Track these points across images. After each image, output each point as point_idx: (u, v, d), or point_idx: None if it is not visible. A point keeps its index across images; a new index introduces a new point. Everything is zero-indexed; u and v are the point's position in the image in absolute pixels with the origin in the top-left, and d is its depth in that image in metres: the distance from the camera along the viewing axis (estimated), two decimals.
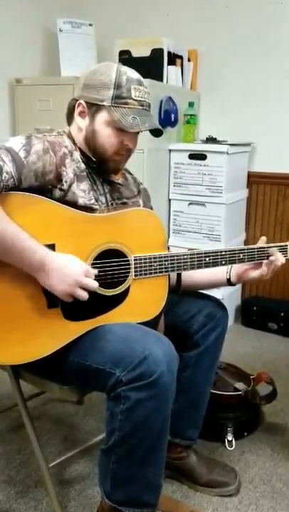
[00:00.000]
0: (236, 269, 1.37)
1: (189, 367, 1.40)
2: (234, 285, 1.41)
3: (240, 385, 1.72)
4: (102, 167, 1.26)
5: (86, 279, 1.11)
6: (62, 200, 1.17)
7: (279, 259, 1.30)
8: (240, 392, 1.69)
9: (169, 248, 1.30)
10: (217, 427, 1.68)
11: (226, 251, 1.29)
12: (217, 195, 2.41)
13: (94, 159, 1.24)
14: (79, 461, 1.59)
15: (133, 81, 1.19)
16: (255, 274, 1.33)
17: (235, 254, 1.30)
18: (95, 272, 1.14)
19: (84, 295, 1.11)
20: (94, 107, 1.20)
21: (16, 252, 1.06)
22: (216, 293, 2.39)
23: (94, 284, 1.12)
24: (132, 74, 1.20)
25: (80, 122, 1.23)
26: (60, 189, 1.18)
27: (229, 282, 1.39)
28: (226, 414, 1.69)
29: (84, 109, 1.22)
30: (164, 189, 2.51)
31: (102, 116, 1.19)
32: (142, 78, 1.22)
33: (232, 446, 1.66)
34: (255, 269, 1.34)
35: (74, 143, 1.24)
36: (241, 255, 1.30)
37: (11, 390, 1.36)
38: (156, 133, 1.25)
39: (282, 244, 1.34)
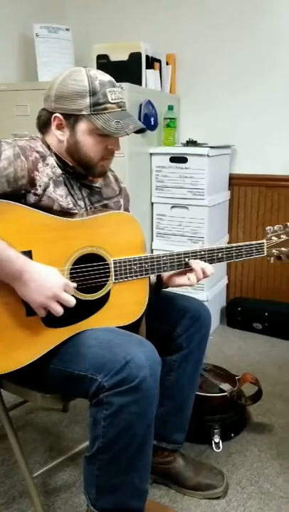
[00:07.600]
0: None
1: (173, 370, 1.40)
2: (165, 287, 1.37)
3: (225, 386, 1.72)
4: (90, 173, 1.25)
5: (64, 294, 1.09)
6: (38, 205, 1.16)
7: (197, 272, 1.27)
8: (225, 393, 1.69)
9: (152, 251, 1.29)
10: (204, 429, 1.67)
11: (204, 250, 1.29)
12: (199, 198, 2.41)
13: (71, 165, 1.23)
14: (65, 469, 1.57)
15: (106, 84, 1.18)
16: (180, 281, 1.31)
17: (214, 253, 1.31)
18: (74, 285, 1.13)
19: (59, 310, 1.09)
20: (72, 118, 1.18)
21: None
22: (201, 295, 2.42)
23: (71, 302, 1.10)
24: (103, 76, 1.19)
25: (60, 135, 1.21)
26: (35, 194, 1.17)
27: (159, 284, 1.36)
28: (213, 416, 1.68)
29: (61, 121, 1.19)
30: (146, 193, 2.51)
31: (82, 126, 1.18)
32: (112, 78, 1.21)
33: (219, 448, 1.66)
34: (179, 275, 1.31)
35: (49, 148, 1.23)
36: (220, 254, 1.31)
37: None
38: (140, 131, 1.23)
39: (260, 242, 1.35)
